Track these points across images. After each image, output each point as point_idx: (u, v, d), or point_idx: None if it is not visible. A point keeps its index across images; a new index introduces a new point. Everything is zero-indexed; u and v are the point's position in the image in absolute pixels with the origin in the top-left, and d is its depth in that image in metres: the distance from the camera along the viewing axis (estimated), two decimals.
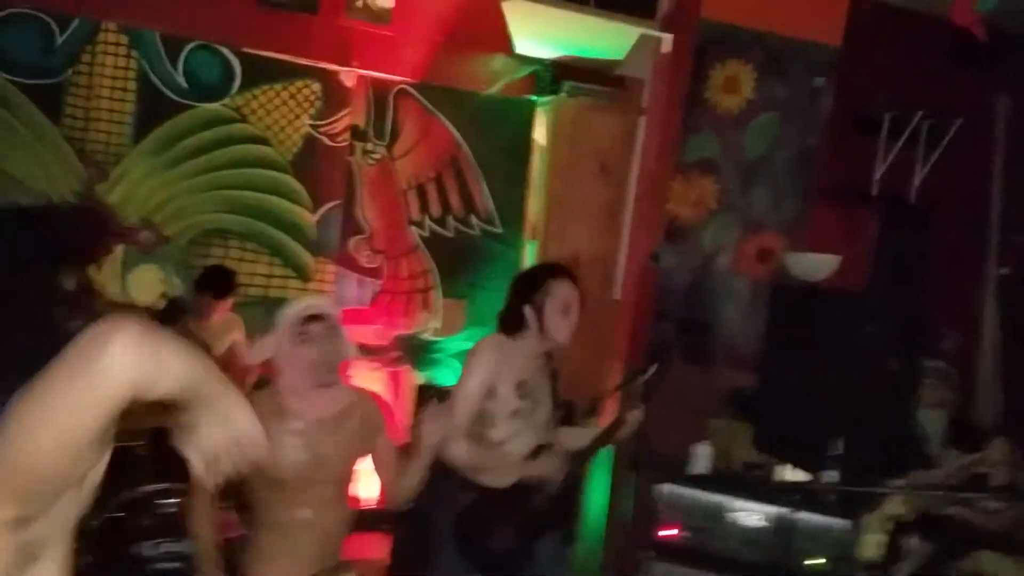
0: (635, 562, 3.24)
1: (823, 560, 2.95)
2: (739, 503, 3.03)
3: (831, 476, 3.04)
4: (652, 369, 2.91)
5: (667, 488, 3.10)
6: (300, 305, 2.24)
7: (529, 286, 2.75)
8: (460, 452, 2.61)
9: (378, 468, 2.38)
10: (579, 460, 2.83)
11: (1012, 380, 4.22)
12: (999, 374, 4.28)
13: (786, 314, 3.49)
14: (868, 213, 4.16)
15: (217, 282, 4.12)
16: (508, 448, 2.70)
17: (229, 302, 4.16)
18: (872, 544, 3.39)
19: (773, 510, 3.00)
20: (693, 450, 3.22)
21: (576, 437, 2.90)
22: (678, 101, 3.70)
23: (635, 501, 3.49)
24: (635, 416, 2.85)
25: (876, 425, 3.08)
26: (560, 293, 2.72)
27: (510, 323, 2.72)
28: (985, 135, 4.25)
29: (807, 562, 2.94)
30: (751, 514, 3.01)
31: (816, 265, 3.61)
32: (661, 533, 3.10)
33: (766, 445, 3.43)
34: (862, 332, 3.20)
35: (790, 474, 3.37)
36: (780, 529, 2.98)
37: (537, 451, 2.76)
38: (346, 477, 2.29)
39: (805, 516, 2.97)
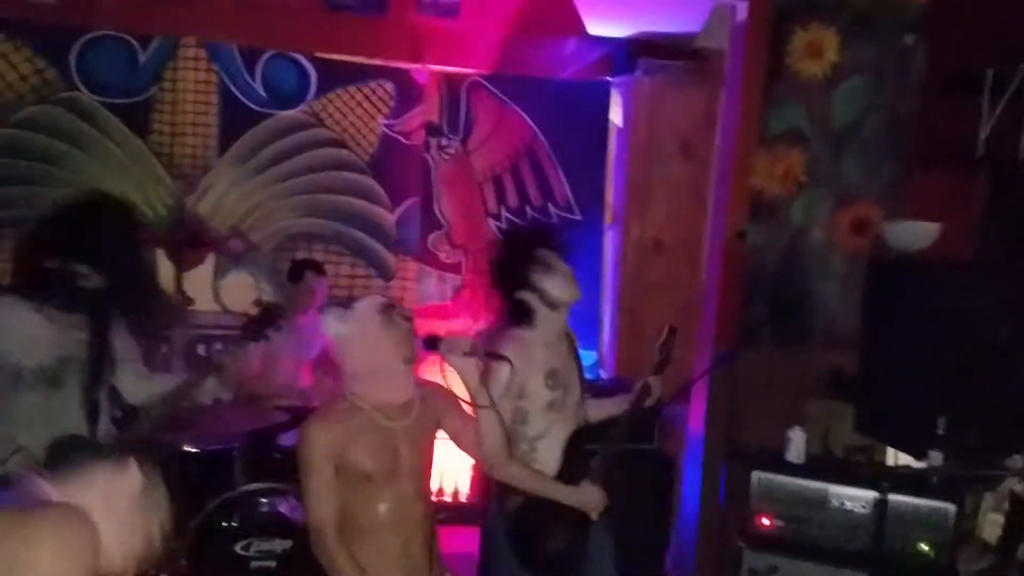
0: (729, 553, 3.12)
1: (928, 547, 2.77)
2: (837, 489, 2.88)
3: (936, 458, 2.84)
4: (664, 334, 2.77)
5: (761, 475, 2.97)
6: (370, 298, 2.30)
7: (508, 270, 2.62)
8: (505, 475, 2.53)
9: (461, 445, 2.40)
10: (617, 434, 2.71)
11: None
12: None
13: (886, 287, 3.27)
14: (973, 176, 3.87)
15: (310, 264, 4.24)
16: (545, 441, 2.62)
17: (324, 287, 4.22)
18: (991, 524, 3.17)
19: (873, 495, 2.84)
20: (789, 436, 3.07)
21: (605, 408, 2.81)
22: (757, 71, 3.52)
23: (729, 490, 3.35)
24: (658, 383, 2.74)
25: (986, 402, 2.85)
26: (540, 256, 2.58)
27: (518, 315, 2.61)
28: None
29: (917, 547, 2.77)
30: (850, 500, 2.85)
31: (916, 234, 3.37)
32: (758, 522, 2.97)
33: (868, 427, 3.24)
34: (969, 303, 2.97)
35: (893, 457, 3.18)
36: (881, 515, 2.82)
37: (573, 439, 2.64)
38: (421, 470, 2.29)
39: (908, 500, 2.79)
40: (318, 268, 4.28)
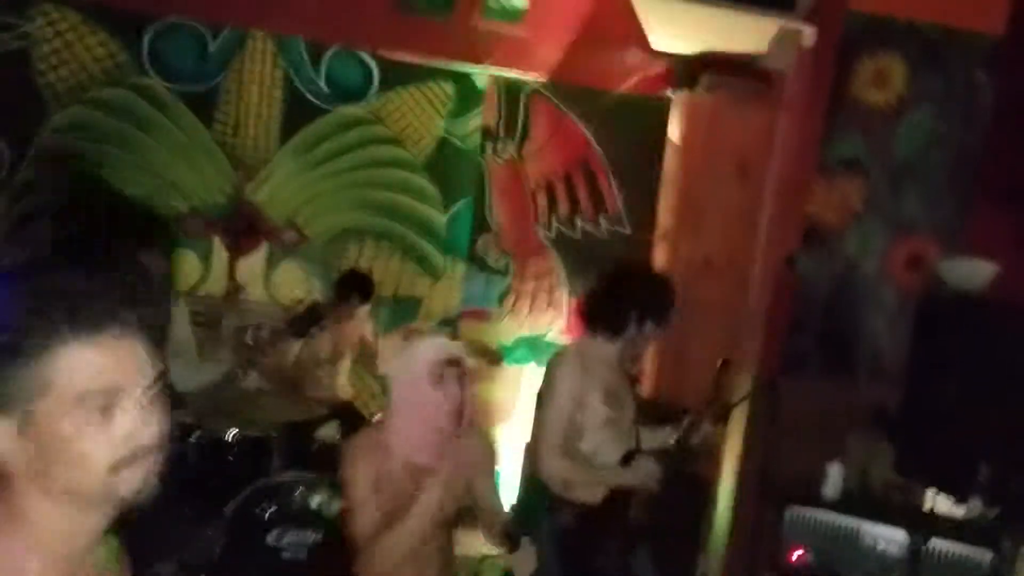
0: None
1: None
2: (871, 528, 2.83)
3: (975, 504, 2.78)
4: (718, 368, 2.82)
5: (796, 509, 2.94)
6: (437, 344, 2.17)
7: (648, 295, 2.66)
8: (560, 470, 2.55)
9: (478, 514, 2.29)
10: (666, 464, 2.71)
11: None
12: None
13: (937, 326, 3.20)
14: None
15: (359, 285, 4.26)
16: (598, 460, 2.62)
17: (368, 306, 4.27)
18: None
19: (906, 537, 2.79)
20: (827, 469, 3.02)
21: (657, 438, 2.80)
22: (819, 98, 3.47)
23: (760, 521, 3.32)
24: (707, 427, 2.76)
25: None
26: (666, 318, 2.64)
27: (610, 323, 2.64)
28: None
29: None
30: (883, 540, 2.80)
31: (972, 272, 3.29)
32: (790, 556, 2.94)
33: (908, 468, 3.17)
34: (1017, 346, 2.90)
35: (931, 499, 3.11)
36: (915, 557, 2.77)
37: (628, 457, 2.66)
38: (446, 516, 2.20)
39: (943, 544, 2.74)
40: (365, 294, 4.22)
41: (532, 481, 2.69)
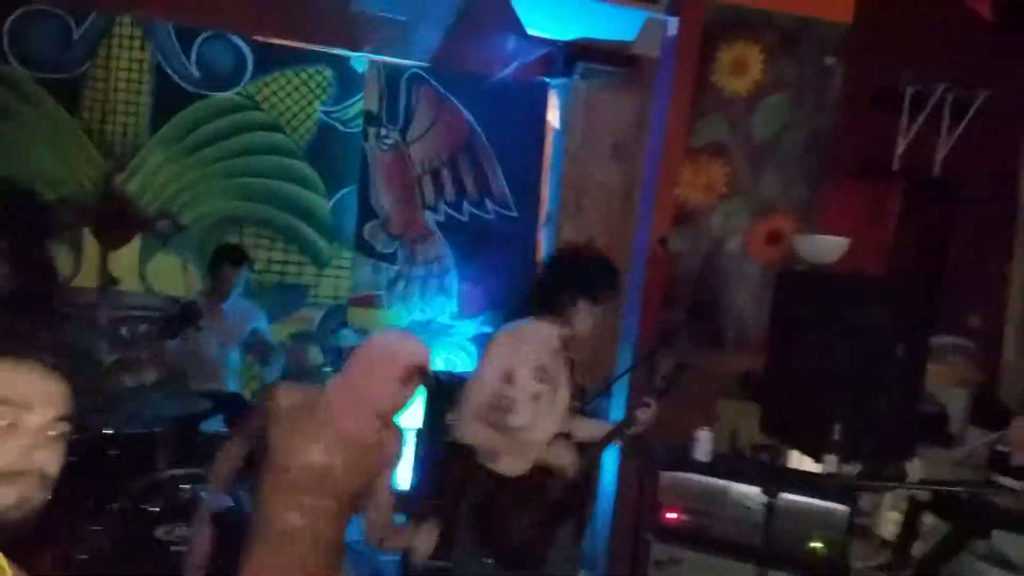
0: (639, 545, 3.26)
1: (820, 544, 2.96)
2: (737, 487, 3.04)
3: (831, 461, 3.02)
4: (671, 368, 2.91)
5: (669, 473, 3.12)
6: (420, 350, 2.20)
7: (580, 277, 2.75)
8: (476, 434, 2.64)
9: (370, 504, 2.31)
10: (591, 454, 2.85)
11: None
12: None
13: (794, 297, 3.46)
14: (888, 192, 4.09)
15: (227, 253, 4.18)
16: (528, 434, 2.72)
17: (243, 275, 4.19)
18: (889, 522, 3.37)
19: (775, 494, 3.00)
20: (696, 435, 3.22)
21: (589, 429, 2.92)
22: (685, 85, 3.66)
23: (641, 485, 3.51)
24: (647, 414, 2.86)
25: (880, 411, 3.05)
26: (604, 298, 2.75)
27: (543, 304, 2.73)
28: (1014, 105, 4.13)
29: (807, 543, 2.95)
30: (748, 499, 3.01)
31: (826, 247, 3.56)
32: (664, 516, 3.12)
33: (772, 428, 3.42)
34: (870, 317, 3.16)
35: (797, 458, 3.36)
36: (781, 513, 2.98)
37: (554, 440, 2.78)
38: (347, 499, 2.22)
39: (802, 500, 2.97)
40: (235, 260, 4.16)
41: (453, 449, 2.76)
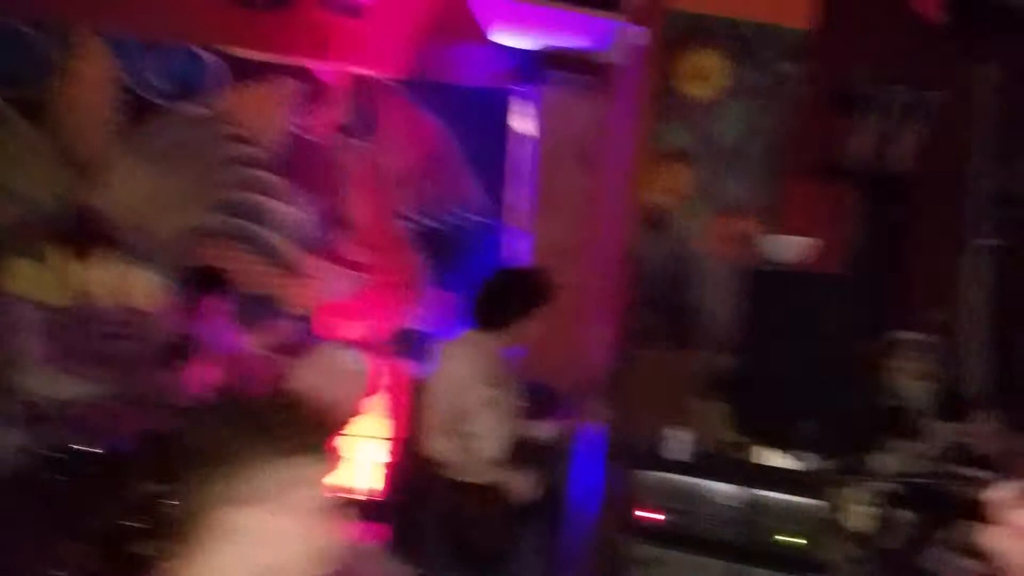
0: (618, 546, 3.32)
1: (798, 539, 3.04)
2: (714, 486, 3.11)
3: (803, 456, 3.11)
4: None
5: (642, 473, 3.18)
6: (347, 355, 2.29)
7: (530, 293, 2.85)
8: (435, 443, 2.69)
9: None
10: (545, 454, 2.92)
11: (1000, 352, 4.27)
12: (986, 346, 4.33)
13: (760, 296, 3.54)
14: (846, 192, 4.19)
15: (208, 281, 4.19)
16: (484, 441, 2.78)
17: (217, 300, 4.21)
18: (859, 515, 3.46)
19: (748, 491, 3.08)
20: (668, 435, 3.29)
21: (534, 431, 3.00)
22: (648, 92, 3.73)
23: (617, 486, 3.57)
24: (591, 413, 2.96)
25: (849, 403, 3.14)
26: (551, 310, 2.84)
27: (495, 320, 2.82)
28: (968, 106, 4.26)
29: (781, 539, 3.02)
30: (726, 496, 3.08)
31: (788, 247, 3.65)
32: (639, 516, 3.18)
33: (743, 426, 3.50)
34: (833, 312, 3.26)
35: (767, 455, 3.44)
36: (755, 510, 3.07)
37: (517, 451, 2.84)
38: None
39: (774, 496, 3.05)
40: (207, 286, 4.20)
41: (418, 462, 2.81)
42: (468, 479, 2.76)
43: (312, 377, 2.25)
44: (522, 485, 2.82)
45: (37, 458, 2.87)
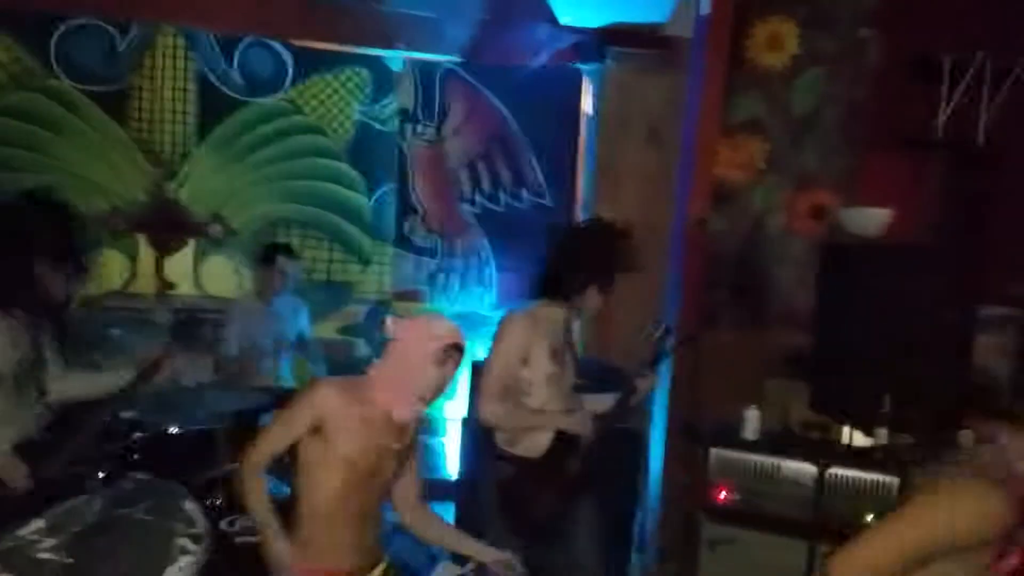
0: (690, 525, 3.29)
1: (872, 517, 2.96)
2: (788, 464, 3.05)
3: (881, 434, 3.02)
4: (659, 331, 2.91)
5: (718, 452, 3.14)
6: (450, 328, 2.24)
7: (592, 262, 2.78)
8: (497, 414, 2.69)
9: (400, 482, 2.37)
10: (602, 425, 2.88)
11: None
12: None
13: (838, 271, 3.44)
14: (930, 162, 4.03)
15: (277, 250, 4.24)
16: (542, 415, 2.76)
17: (296, 270, 4.27)
18: None
19: (822, 470, 3.02)
20: (744, 414, 3.24)
21: (594, 404, 2.96)
22: (719, 63, 3.65)
23: (690, 465, 3.53)
24: (645, 383, 2.89)
25: (930, 382, 3.03)
26: (613, 283, 2.77)
27: (554, 289, 2.77)
28: None
29: (859, 519, 2.95)
30: (800, 474, 3.02)
31: (869, 219, 3.54)
32: (715, 495, 3.15)
33: (821, 405, 3.41)
34: (915, 286, 3.14)
35: (846, 433, 3.35)
36: (829, 488, 3.00)
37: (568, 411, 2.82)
38: (393, 477, 2.32)
39: (851, 474, 2.97)
40: (288, 251, 4.25)
41: (476, 436, 2.81)
42: (525, 453, 2.75)
43: (402, 349, 2.23)
44: (578, 459, 2.79)
45: (125, 441, 2.98)
